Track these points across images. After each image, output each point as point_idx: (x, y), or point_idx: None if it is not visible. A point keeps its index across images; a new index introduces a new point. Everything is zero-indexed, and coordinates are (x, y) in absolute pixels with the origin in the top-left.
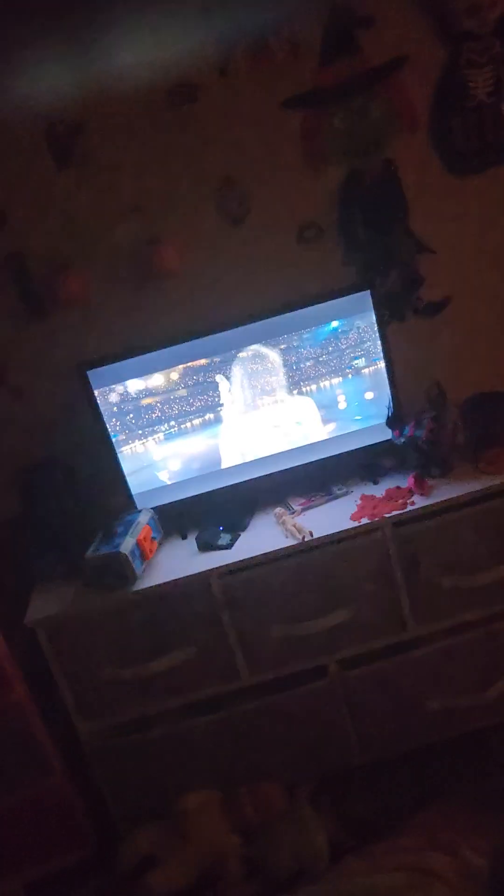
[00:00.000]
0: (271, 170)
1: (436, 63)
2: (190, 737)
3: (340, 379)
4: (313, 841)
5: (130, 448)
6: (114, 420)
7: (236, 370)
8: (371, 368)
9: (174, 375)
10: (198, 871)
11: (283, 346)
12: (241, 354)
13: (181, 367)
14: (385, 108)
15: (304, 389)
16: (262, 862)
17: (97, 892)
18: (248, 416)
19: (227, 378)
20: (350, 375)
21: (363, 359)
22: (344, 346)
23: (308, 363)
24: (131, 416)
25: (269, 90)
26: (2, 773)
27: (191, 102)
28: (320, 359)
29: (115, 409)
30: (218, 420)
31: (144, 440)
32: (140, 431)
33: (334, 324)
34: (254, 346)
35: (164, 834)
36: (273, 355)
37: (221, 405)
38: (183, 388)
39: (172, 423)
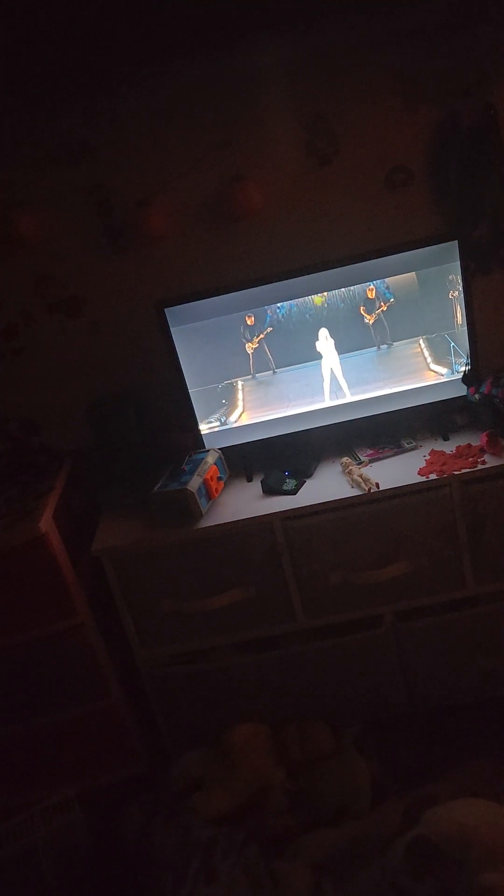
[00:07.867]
0: (364, 108)
1: None
2: (243, 672)
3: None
4: (357, 781)
5: (202, 388)
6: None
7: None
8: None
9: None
10: (241, 799)
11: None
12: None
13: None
14: (491, 45)
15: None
16: (304, 796)
17: (145, 806)
18: (323, 363)
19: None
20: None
21: (442, 311)
22: (423, 297)
23: (385, 314)
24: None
25: (368, 21)
26: (63, 690)
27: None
28: (395, 309)
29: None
30: (291, 365)
31: (218, 383)
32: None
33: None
34: (333, 292)
35: (211, 760)
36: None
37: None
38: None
39: (246, 366)
